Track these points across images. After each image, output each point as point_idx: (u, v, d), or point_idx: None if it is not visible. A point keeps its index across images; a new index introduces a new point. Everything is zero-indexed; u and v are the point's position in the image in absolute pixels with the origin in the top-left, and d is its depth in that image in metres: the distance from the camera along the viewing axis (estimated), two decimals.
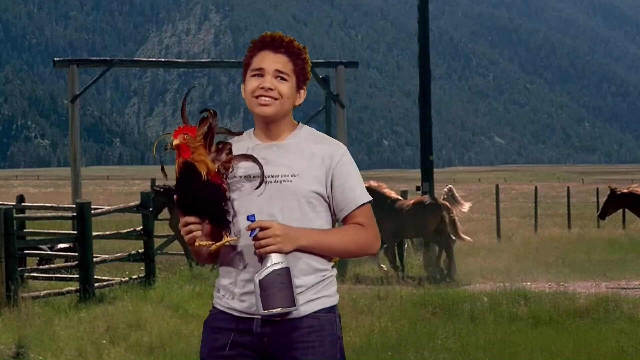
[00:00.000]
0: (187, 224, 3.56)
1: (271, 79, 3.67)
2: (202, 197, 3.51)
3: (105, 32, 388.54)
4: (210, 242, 3.57)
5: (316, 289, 3.65)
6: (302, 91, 3.75)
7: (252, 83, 3.69)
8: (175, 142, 3.51)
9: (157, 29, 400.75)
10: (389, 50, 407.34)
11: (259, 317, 3.61)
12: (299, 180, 3.64)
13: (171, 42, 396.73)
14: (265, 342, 3.63)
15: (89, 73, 26.16)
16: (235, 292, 3.66)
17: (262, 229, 3.54)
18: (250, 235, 3.55)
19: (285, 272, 3.52)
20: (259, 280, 3.51)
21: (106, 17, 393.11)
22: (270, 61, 3.68)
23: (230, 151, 3.63)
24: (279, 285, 3.50)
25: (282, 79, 3.68)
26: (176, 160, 3.53)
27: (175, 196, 3.57)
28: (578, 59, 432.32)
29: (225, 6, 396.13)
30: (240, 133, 3.76)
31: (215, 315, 3.75)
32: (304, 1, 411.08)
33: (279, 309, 3.52)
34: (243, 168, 3.66)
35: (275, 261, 3.52)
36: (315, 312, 3.64)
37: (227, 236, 3.57)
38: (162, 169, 3.69)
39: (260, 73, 3.68)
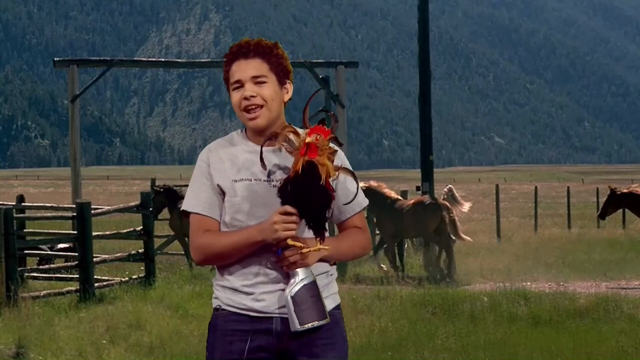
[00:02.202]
0: (287, 217, 3.50)
1: (251, 86, 3.64)
2: (315, 199, 3.49)
3: (105, 32, 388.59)
4: (302, 245, 3.53)
5: (327, 288, 3.69)
6: (287, 86, 3.72)
7: (235, 96, 3.67)
8: (309, 139, 3.49)
9: (157, 29, 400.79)
10: (389, 50, 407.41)
11: (278, 315, 3.61)
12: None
13: (171, 42, 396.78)
14: (286, 341, 3.62)
15: (89, 73, 26.17)
16: (253, 292, 3.63)
17: (288, 246, 3.53)
18: (278, 253, 3.55)
19: (314, 286, 3.54)
20: (291, 297, 3.51)
21: (106, 17, 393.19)
22: (244, 69, 3.65)
23: (335, 158, 3.60)
24: (311, 299, 3.52)
25: (261, 82, 3.65)
26: (300, 156, 3.50)
27: (281, 187, 3.52)
28: (578, 59, 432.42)
29: (225, 6, 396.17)
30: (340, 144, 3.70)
31: (228, 317, 3.69)
32: (304, 1, 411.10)
33: (315, 323, 3.53)
34: (253, 170, 3.63)
35: (302, 276, 3.53)
36: (330, 309, 3.67)
37: (320, 244, 3.56)
38: (262, 161, 3.58)
39: (239, 85, 3.66)
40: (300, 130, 3.60)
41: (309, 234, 3.60)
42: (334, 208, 3.73)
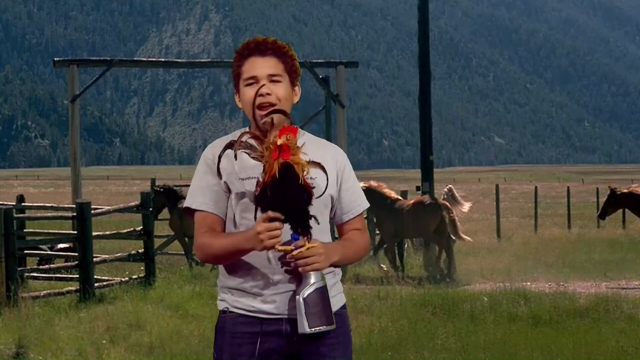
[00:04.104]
0: (270, 225, 3.46)
1: (267, 83, 3.65)
2: (296, 199, 3.46)
3: (105, 32, 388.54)
4: (291, 248, 3.52)
5: (334, 287, 3.70)
6: (296, 88, 3.74)
7: (248, 92, 3.67)
8: (280, 141, 3.45)
9: (157, 29, 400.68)
10: (389, 50, 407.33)
11: (287, 317, 3.61)
12: (318, 183, 3.66)
13: (171, 42, 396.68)
14: (295, 342, 3.62)
15: (89, 73, 26.17)
16: (263, 294, 3.63)
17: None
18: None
19: (325, 291, 3.55)
20: (303, 298, 3.51)
21: (106, 17, 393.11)
22: (261, 66, 3.66)
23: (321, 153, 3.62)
24: (322, 303, 3.53)
25: (277, 81, 3.66)
26: (271, 159, 3.46)
27: (258, 194, 3.48)
28: (578, 59, 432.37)
29: (225, 6, 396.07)
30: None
31: (236, 319, 3.67)
32: (304, 1, 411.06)
33: (323, 327, 3.53)
34: (259, 168, 3.60)
35: (315, 280, 3.53)
36: (338, 309, 3.69)
37: (307, 242, 3.54)
38: (219, 171, 3.60)
39: (254, 81, 3.66)
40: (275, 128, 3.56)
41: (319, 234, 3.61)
42: (336, 209, 3.73)
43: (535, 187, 33.29)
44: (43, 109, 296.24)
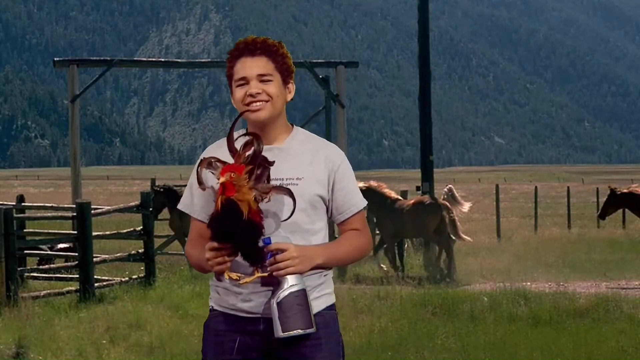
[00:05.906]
0: (216, 254, 3.53)
1: (256, 83, 3.65)
2: (240, 235, 3.49)
3: (105, 32, 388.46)
4: (240, 275, 3.56)
5: (319, 288, 3.68)
6: (290, 85, 3.74)
7: (239, 92, 3.67)
8: (222, 179, 3.47)
9: (157, 29, 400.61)
10: (389, 50, 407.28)
11: (264, 316, 3.61)
12: (304, 183, 3.64)
13: (171, 42, 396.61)
14: (274, 342, 3.61)
15: (89, 73, 26.18)
16: (242, 293, 3.65)
17: (278, 251, 3.53)
18: (267, 258, 3.55)
19: (302, 294, 3.53)
20: (277, 303, 3.52)
21: (106, 17, 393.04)
22: (251, 66, 3.66)
23: (269, 179, 3.55)
24: (297, 307, 3.52)
25: (267, 80, 3.66)
26: (218, 195, 3.50)
27: (208, 223, 3.54)
28: (578, 59, 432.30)
29: (225, 6, 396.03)
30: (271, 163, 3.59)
31: (219, 317, 3.73)
32: (304, 1, 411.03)
33: (298, 331, 3.52)
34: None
35: (291, 283, 3.53)
36: (321, 310, 3.66)
37: (257, 272, 3.55)
38: (200, 182, 3.61)
39: (244, 82, 3.66)
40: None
41: (298, 238, 3.60)
42: (332, 209, 3.73)
43: (535, 187, 33.29)
44: (43, 109, 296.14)
